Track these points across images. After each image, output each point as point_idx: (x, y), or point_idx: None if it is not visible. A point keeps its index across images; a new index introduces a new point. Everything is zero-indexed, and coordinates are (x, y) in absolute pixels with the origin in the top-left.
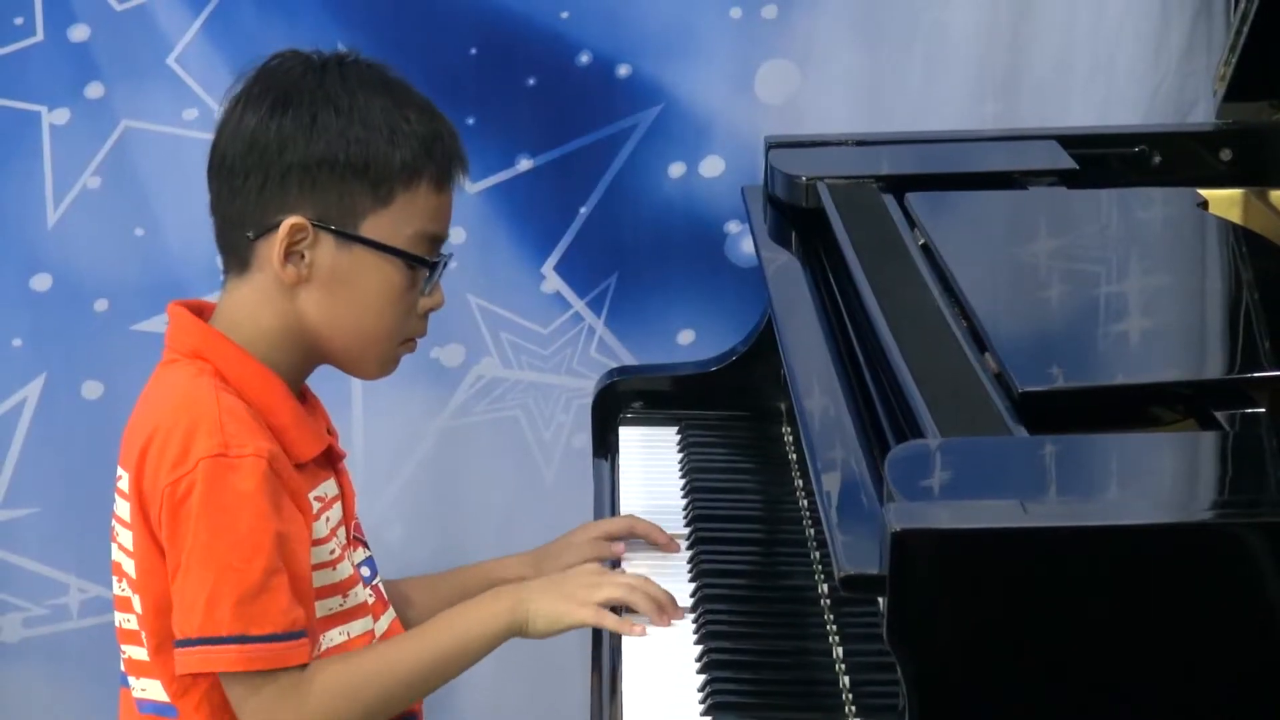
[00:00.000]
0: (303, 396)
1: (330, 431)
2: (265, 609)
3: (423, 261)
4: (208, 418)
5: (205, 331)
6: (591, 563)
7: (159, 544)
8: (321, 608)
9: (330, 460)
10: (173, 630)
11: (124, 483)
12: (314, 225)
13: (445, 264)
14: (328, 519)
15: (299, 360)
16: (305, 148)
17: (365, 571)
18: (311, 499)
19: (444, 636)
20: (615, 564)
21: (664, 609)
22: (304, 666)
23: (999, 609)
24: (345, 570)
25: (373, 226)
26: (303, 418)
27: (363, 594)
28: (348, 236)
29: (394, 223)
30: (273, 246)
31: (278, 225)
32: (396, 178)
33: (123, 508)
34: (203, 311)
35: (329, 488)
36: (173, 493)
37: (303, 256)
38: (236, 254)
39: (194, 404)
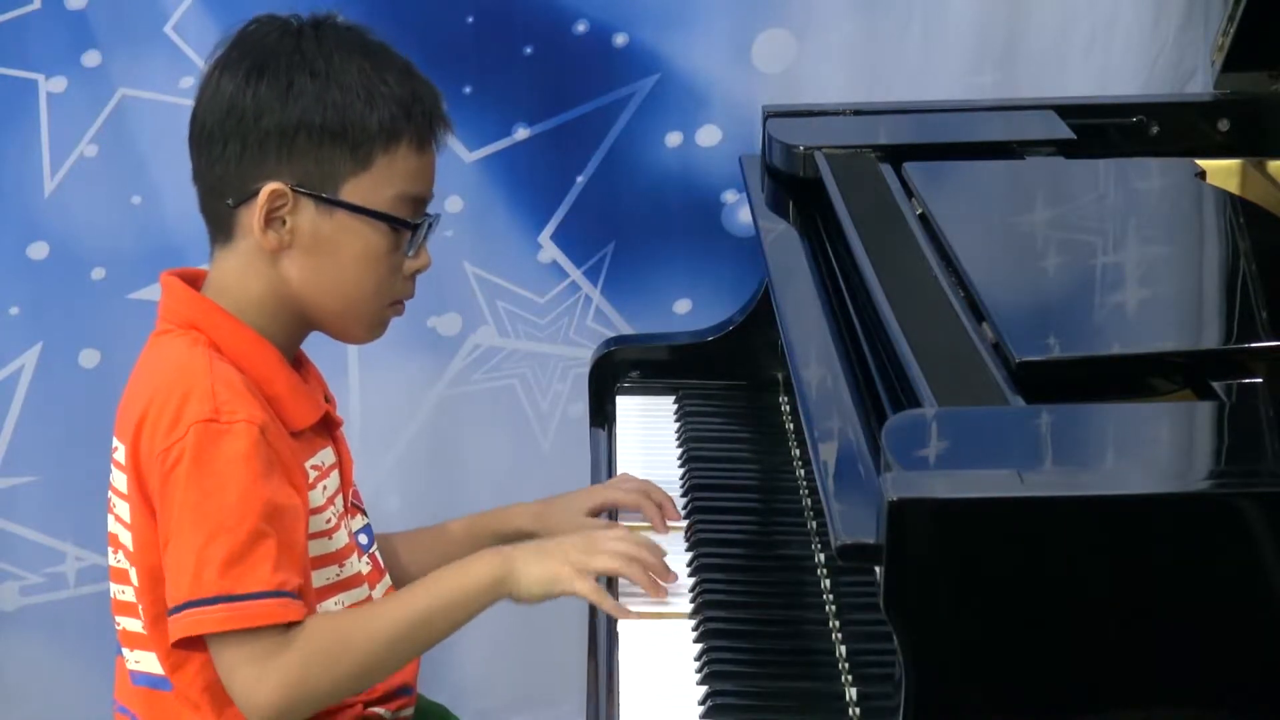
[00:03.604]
0: (298, 363)
1: (327, 399)
2: (252, 570)
3: (404, 223)
4: (200, 385)
5: (198, 301)
6: (592, 523)
7: (155, 515)
8: (318, 577)
9: (327, 428)
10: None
11: (120, 454)
12: (293, 191)
13: (430, 225)
14: (324, 487)
15: (289, 327)
16: (281, 113)
17: (363, 539)
18: (308, 467)
19: (430, 594)
20: (614, 515)
21: (657, 581)
22: (289, 625)
23: (995, 578)
24: (341, 539)
25: (353, 190)
26: (298, 385)
27: (359, 564)
28: (328, 201)
29: (374, 185)
30: (253, 213)
31: (257, 192)
32: (375, 140)
33: (119, 479)
34: (195, 280)
35: (326, 456)
36: (165, 459)
37: (283, 223)
38: (220, 223)
39: (187, 373)
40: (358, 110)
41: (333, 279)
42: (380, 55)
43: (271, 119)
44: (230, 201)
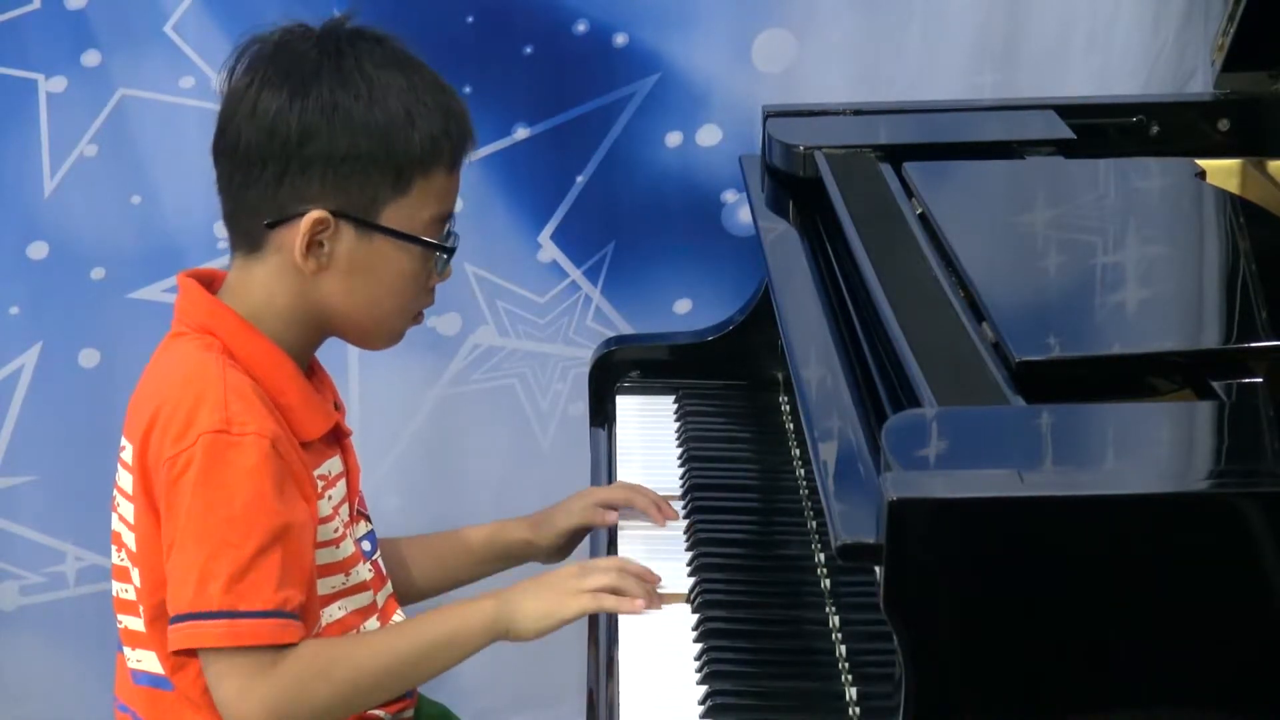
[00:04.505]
0: (311, 371)
1: (337, 405)
2: (255, 587)
3: (441, 248)
4: (212, 394)
5: (215, 306)
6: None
7: (160, 518)
8: (324, 585)
9: (336, 437)
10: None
11: (127, 454)
12: (335, 217)
13: (457, 244)
14: (331, 497)
15: (308, 336)
16: (328, 140)
17: (366, 546)
18: (315, 477)
19: (425, 633)
20: (610, 533)
21: (648, 589)
22: (285, 646)
23: (995, 578)
24: (348, 548)
25: (392, 215)
26: (310, 396)
27: (363, 571)
28: (369, 226)
29: (412, 209)
30: (291, 235)
31: (297, 215)
32: (415, 165)
33: (125, 479)
34: (212, 282)
35: (334, 465)
36: (172, 467)
37: (322, 246)
38: (249, 237)
39: (200, 380)
40: (401, 134)
41: (366, 299)
42: (415, 70)
43: (317, 145)
44: (267, 221)
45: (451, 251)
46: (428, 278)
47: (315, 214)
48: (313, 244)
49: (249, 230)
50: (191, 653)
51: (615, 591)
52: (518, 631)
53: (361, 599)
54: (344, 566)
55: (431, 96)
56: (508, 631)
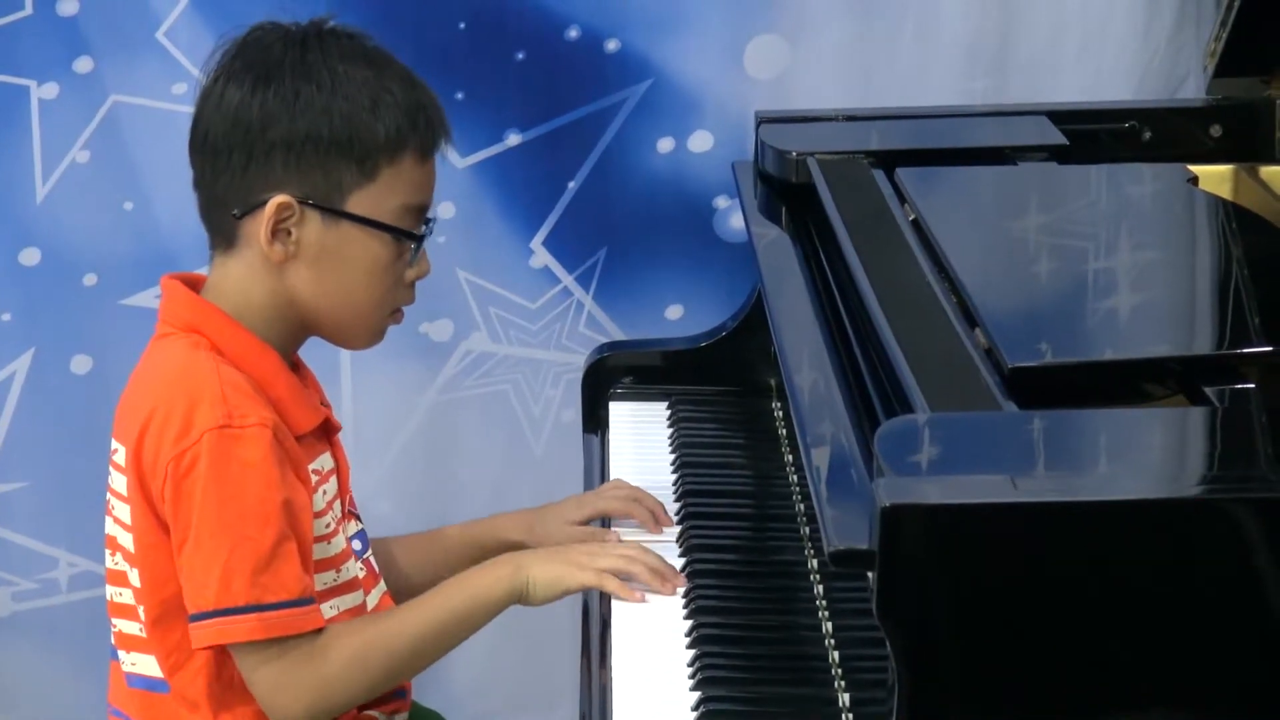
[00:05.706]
0: (296, 368)
1: (324, 404)
2: (279, 576)
3: (409, 235)
4: (209, 390)
5: (199, 304)
6: (585, 532)
7: (160, 518)
8: (316, 582)
9: (326, 433)
10: (181, 604)
11: (120, 456)
12: (300, 203)
13: (429, 232)
14: (324, 492)
15: (289, 332)
16: (289, 125)
17: (357, 545)
18: (309, 471)
19: (449, 602)
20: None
21: (664, 578)
22: (317, 632)
23: (988, 584)
24: (339, 544)
25: (358, 202)
26: (298, 390)
27: (354, 568)
28: (334, 213)
29: (379, 197)
30: (259, 224)
31: (263, 203)
32: (381, 152)
33: (119, 481)
34: (195, 285)
35: (325, 461)
36: (177, 466)
37: (289, 234)
38: (222, 231)
39: (194, 377)
40: (364, 121)
41: (338, 289)
42: (383, 63)
43: (278, 131)
44: (235, 212)
45: (420, 240)
46: (401, 269)
47: (279, 199)
48: (278, 231)
49: (221, 224)
50: (192, 652)
51: (624, 575)
52: (532, 598)
53: (352, 598)
54: (335, 563)
55: (398, 87)
56: (523, 595)
